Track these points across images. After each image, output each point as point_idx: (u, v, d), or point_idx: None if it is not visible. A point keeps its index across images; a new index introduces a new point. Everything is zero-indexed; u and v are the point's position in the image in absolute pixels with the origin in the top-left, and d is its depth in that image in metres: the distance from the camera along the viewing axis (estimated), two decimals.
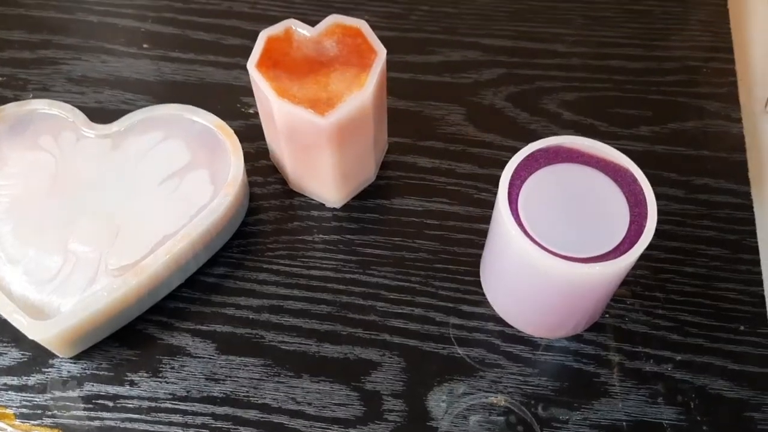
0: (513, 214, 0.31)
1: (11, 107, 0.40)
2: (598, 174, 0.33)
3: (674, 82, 0.46)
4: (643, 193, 0.32)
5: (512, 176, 0.33)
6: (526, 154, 0.33)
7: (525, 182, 0.33)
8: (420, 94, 0.45)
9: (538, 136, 0.43)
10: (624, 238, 0.31)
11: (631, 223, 0.31)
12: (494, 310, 0.37)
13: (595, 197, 0.32)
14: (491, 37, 0.48)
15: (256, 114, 0.44)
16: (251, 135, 0.43)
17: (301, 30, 0.37)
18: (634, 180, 0.32)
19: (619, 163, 0.33)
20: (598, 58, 0.47)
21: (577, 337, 0.36)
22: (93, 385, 0.35)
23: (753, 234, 0.39)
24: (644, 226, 0.31)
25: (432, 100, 0.45)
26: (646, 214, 0.31)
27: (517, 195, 0.32)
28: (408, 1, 0.50)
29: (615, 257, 0.30)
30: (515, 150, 0.42)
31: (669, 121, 0.44)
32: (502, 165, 0.42)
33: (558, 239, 0.31)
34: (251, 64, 0.36)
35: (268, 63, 0.36)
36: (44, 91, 0.45)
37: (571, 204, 0.32)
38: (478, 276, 0.38)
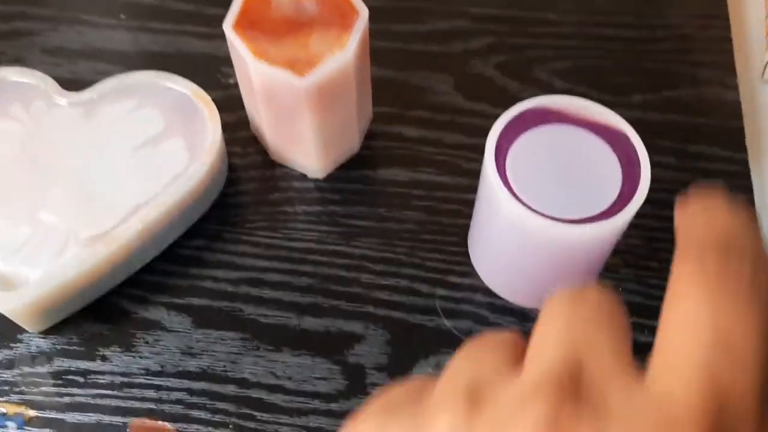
0: (501, 177, 0.30)
1: None
2: (588, 135, 0.31)
3: (668, 50, 0.44)
4: (636, 153, 0.30)
5: (499, 137, 0.31)
6: (515, 113, 0.32)
7: (513, 144, 0.31)
8: (407, 63, 0.44)
9: None
10: (617, 199, 0.30)
11: (624, 183, 0.30)
12: (483, 281, 0.36)
13: (586, 158, 0.31)
14: (480, 5, 0.46)
15: (237, 84, 0.42)
16: (231, 105, 0.41)
17: None
18: (626, 139, 0.31)
19: (610, 123, 0.31)
20: (590, 26, 0.45)
21: None
22: (63, 361, 0.34)
23: (750, 202, 0.38)
24: (637, 186, 0.30)
25: (419, 70, 0.43)
26: (639, 173, 0.30)
27: (505, 157, 0.31)
28: None
29: (607, 218, 0.29)
30: None
31: (663, 89, 0.42)
32: None
33: (548, 201, 0.29)
34: (227, 25, 0.34)
35: (245, 23, 0.35)
36: (19, 62, 0.44)
37: (561, 166, 0.31)
38: (467, 247, 0.37)
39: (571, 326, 0.15)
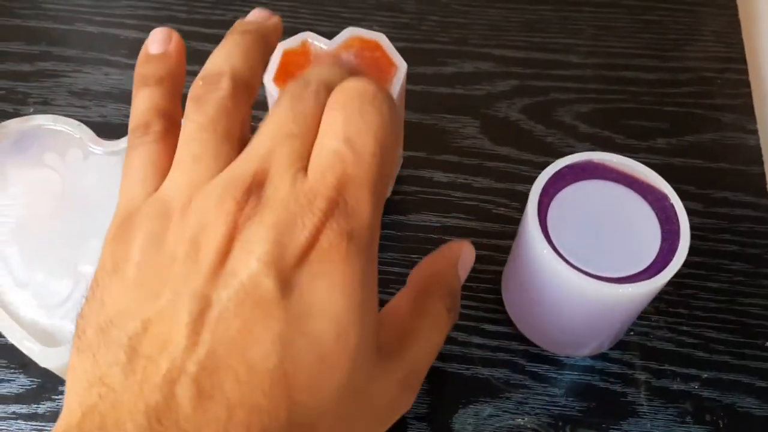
0: (542, 232, 0.31)
1: (14, 123, 0.39)
2: (626, 190, 0.32)
3: (689, 94, 0.45)
4: (674, 210, 0.31)
5: (540, 193, 0.32)
6: (555, 170, 0.32)
7: (553, 199, 0.32)
8: (433, 106, 0.44)
9: (554, 149, 0.43)
10: (656, 257, 0.30)
11: (663, 240, 0.31)
12: (517, 329, 0.36)
13: (625, 214, 0.32)
14: (503, 48, 0.47)
15: None
16: None
17: (318, 43, 0.36)
18: (664, 196, 0.32)
19: (648, 179, 0.32)
20: (611, 70, 0.46)
21: (602, 356, 0.36)
22: None
23: None
24: (677, 245, 0.30)
25: (445, 113, 0.44)
26: (678, 231, 0.31)
27: (546, 213, 0.32)
28: (417, 11, 0.49)
29: (648, 277, 0.30)
30: (532, 163, 0.42)
31: (685, 133, 0.43)
32: (519, 179, 0.41)
33: (589, 258, 0.30)
34: (268, 78, 0.35)
35: (285, 76, 0.35)
36: (45, 104, 0.44)
37: (600, 222, 0.31)
38: (500, 294, 0.37)
39: (267, 141, 0.21)
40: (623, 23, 0.49)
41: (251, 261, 0.19)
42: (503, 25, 0.48)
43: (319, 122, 0.22)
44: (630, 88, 0.45)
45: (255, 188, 0.20)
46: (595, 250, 0.30)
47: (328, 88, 0.22)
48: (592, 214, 0.32)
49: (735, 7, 0.49)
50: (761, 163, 0.42)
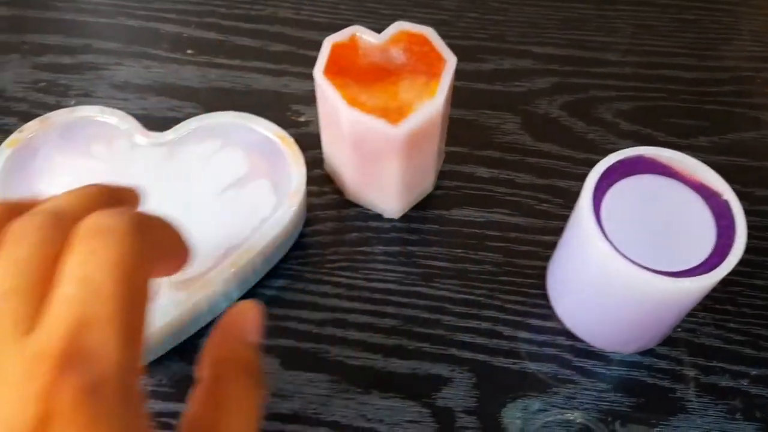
0: (598, 227, 0.31)
1: (60, 114, 0.39)
2: (678, 185, 0.32)
3: (728, 92, 0.45)
4: (728, 205, 0.31)
5: (594, 188, 0.32)
6: (607, 165, 0.32)
7: (605, 194, 0.32)
8: (473, 102, 0.44)
9: (596, 146, 0.43)
10: (713, 252, 0.30)
11: (718, 236, 0.31)
12: (563, 324, 0.36)
13: (677, 209, 0.32)
14: (542, 45, 0.47)
15: (308, 122, 0.43)
16: (303, 144, 0.41)
17: (366, 37, 0.36)
18: (717, 191, 0.32)
19: (700, 174, 0.32)
20: (650, 68, 0.46)
21: (649, 352, 0.36)
22: (155, 402, 0.34)
23: None
24: (733, 239, 0.30)
25: (486, 109, 0.44)
26: (733, 226, 0.31)
27: (599, 208, 0.32)
28: (455, 8, 0.49)
29: (705, 271, 0.30)
30: (574, 160, 0.42)
31: (726, 131, 0.43)
32: (561, 175, 0.41)
33: (644, 253, 0.30)
34: (318, 71, 0.35)
35: (335, 69, 0.35)
36: (87, 97, 0.44)
37: (653, 216, 0.31)
38: (544, 289, 0.37)
39: None
40: (661, 22, 0.49)
41: None
42: (541, 23, 0.48)
43: (51, 265, 0.18)
44: (670, 86, 0.45)
45: None
46: (649, 244, 0.30)
47: (60, 224, 0.19)
48: (645, 209, 0.32)
49: None
50: None
